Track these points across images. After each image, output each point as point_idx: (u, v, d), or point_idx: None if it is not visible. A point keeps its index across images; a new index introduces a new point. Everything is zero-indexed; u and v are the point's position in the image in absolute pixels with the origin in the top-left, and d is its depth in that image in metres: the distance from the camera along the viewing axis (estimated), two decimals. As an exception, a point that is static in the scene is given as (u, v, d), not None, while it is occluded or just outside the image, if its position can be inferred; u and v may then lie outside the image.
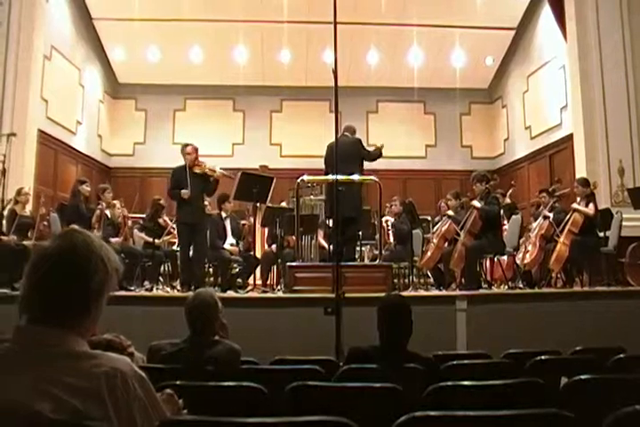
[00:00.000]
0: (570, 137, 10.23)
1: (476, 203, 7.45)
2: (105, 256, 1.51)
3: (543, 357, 3.38)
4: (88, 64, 12.29)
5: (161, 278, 8.25)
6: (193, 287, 6.57)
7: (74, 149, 11.66)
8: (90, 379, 1.36)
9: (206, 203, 8.29)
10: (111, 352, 1.53)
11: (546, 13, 11.25)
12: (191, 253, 7.19)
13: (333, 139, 5.62)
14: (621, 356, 3.45)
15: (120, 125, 13.46)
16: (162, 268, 8.50)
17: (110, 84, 13.37)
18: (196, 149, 7.27)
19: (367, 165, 7.39)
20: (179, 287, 7.57)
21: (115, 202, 7.96)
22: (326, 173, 7.13)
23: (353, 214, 6.77)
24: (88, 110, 12.25)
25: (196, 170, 7.14)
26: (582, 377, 2.57)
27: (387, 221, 9.23)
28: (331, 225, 7.38)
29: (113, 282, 1.53)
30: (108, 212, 7.71)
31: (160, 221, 8.48)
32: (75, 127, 11.69)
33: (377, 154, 7.39)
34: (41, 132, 10.10)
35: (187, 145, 7.35)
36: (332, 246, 7.11)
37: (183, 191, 7.02)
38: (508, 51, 13.18)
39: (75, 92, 11.74)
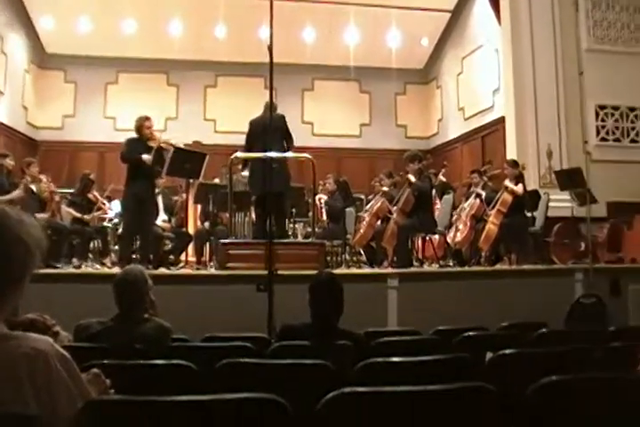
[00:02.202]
0: (501, 120, 10.42)
1: (411, 177, 7.50)
2: (25, 233, 1.42)
3: (470, 333, 3.48)
4: (11, 31, 11.69)
5: (90, 255, 8.07)
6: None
7: (-5, 120, 11.17)
8: (7, 361, 1.31)
9: (164, 180, 8.12)
10: (34, 332, 1.48)
11: (481, -4, 11.38)
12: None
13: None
14: (543, 331, 3.58)
15: (48, 97, 12.93)
16: (91, 244, 8.29)
17: (37, 54, 12.81)
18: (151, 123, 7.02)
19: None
20: (109, 264, 7.43)
21: (41, 176, 7.69)
22: (248, 150, 7.05)
23: (281, 190, 6.73)
24: (11, 80, 11.67)
25: (151, 144, 6.86)
26: (506, 352, 2.66)
27: (320, 199, 9.26)
28: (255, 202, 7.33)
29: (35, 260, 1.45)
30: (33, 186, 7.45)
31: (90, 196, 8.27)
32: (-4, 97, 11.19)
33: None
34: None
35: (147, 118, 7.02)
36: (258, 223, 7.10)
37: (145, 156, 6.71)
38: (444, 32, 13.29)
39: (-5, 60, 11.20)
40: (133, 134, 7.04)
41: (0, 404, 1.28)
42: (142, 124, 6.95)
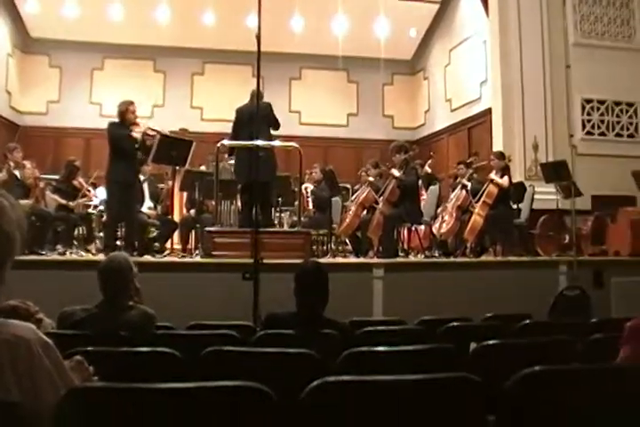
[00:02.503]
0: (488, 111, 10.45)
1: (394, 171, 7.55)
2: (5, 222, 1.38)
3: (455, 323, 3.50)
4: (-7, 15, 11.55)
5: (75, 242, 8.01)
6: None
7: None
8: None
9: (150, 167, 8.10)
10: (16, 319, 1.46)
11: (470, -13, 11.37)
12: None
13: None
14: (527, 322, 3.61)
15: (32, 82, 12.74)
16: (76, 231, 8.24)
17: (21, 38, 12.61)
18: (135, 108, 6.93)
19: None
20: (94, 251, 7.38)
21: (25, 162, 7.61)
22: (234, 138, 7.02)
23: (267, 179, 6.70)
24: (-5, 64, 11.55)
25: (135, 134, 6.73)
26: (490, 342, 2.68)
27: (306, 188, 9.25)
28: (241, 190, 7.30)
29: (16, 245, 1.41)
30: (17, 172, 7.37)
31: (75, 183, 8.20)
32: (-21, 82, 11.02)
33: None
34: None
35: (131, 103, 6.89)
36: (244, 211, 7.09)
37: (135, 134, 6.61)
38: (432, 24, 13.27)
39: (-22, 44, 11.02)
40: (115, 120, 6.94)
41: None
42: (127, 109, 6.83)
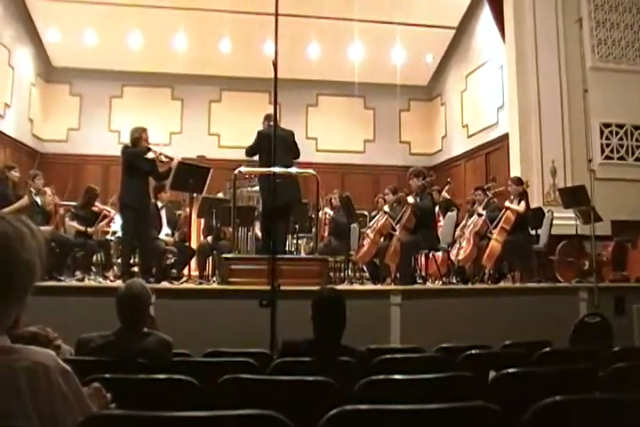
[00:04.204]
0: (505, 136, 10.44)
1: (410, 199, 7.55)
2: (25, 251, 1.38)
3: (474, 351, 3.46)
4: (19, 45, 11.79)
5: (93, 268, 8.05)
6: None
7: (1, 132, 11.18)
8: (8, 375, 1.30)
9: (167, 194, 8.18)
10: (36, 346, 1.47)
11: (486, 14, 11.45)
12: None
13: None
14: (547, 349, 3.57)
15: (53, 110, 13.02)
16: (94, 257, 8.28)
17: (43, 67, 12.91)
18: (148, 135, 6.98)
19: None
20: (112, 277, 7.41)
21: (45, 189, 7.70)
22: (251, 155, 7.02)
23: (291, 202, 6.68)
24: (18, 93, 11.75)
25: (149, 155, 6.78)
26: (509, 371, 2.65)
27: (326, 214, 9.25)
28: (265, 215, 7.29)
29: (37, 272, 1.41)
30: (38, 199, 7.45)
31: (94, 209, 8.26)
32: (3, 110, 11.23)
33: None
34: (-34, 114, 9.64)
35: (144, 130, 6.93)
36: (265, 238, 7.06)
37: (151, 155, 6.63)
38: (448, 49, 13.38)
39: (3, 73, 11.24)
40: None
41: (7, 418, 1.26)
42: (141, 136, 6.87)
